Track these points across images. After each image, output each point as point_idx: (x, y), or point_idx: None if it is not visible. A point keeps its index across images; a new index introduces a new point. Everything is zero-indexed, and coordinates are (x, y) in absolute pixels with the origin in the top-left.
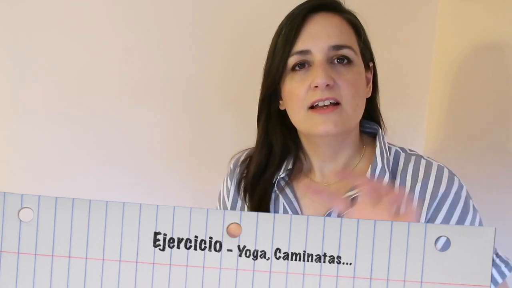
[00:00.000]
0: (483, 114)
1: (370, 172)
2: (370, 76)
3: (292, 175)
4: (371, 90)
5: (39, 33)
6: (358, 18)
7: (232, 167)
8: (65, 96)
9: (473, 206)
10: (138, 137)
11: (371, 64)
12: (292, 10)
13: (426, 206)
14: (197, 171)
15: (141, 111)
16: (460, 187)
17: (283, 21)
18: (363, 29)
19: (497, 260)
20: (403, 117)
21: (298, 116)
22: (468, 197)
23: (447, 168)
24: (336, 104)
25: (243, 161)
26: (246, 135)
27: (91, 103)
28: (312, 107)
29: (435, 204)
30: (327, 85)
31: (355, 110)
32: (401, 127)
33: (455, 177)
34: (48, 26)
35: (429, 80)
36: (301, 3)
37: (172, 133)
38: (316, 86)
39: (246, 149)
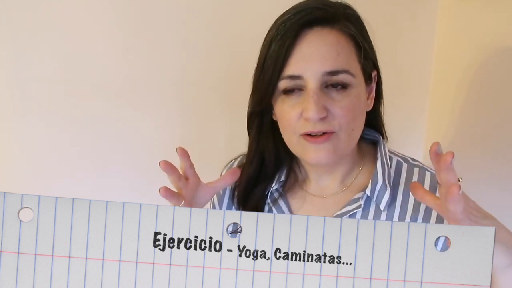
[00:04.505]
0: (483, 114)
1: (370, 187)
2: (373, 86)
3: (286, 187)
4: (372, 101)
5: (37, 34)
6: (361, 18)
7: None
8: (64, 96)
9: None
10: (138, 137)
11: (374, 74)
12: (283, 20)
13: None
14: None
15: (140, 112)
16: None
17: (272, 31)
18: (366, 39)
19: None
20: (403, 118)
21: (290, 140)
22: None
23: None
24: (330, 132)
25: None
26: (242, 136)
27: (90, 103)
28: (304, 134)
29: None
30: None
31: (350, 135)
32: (401, 128)
33: None
34: (46, 26)
35: (429, 81)
36: (293, 10)
37: (171, 133)
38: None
39: (239, 156)
